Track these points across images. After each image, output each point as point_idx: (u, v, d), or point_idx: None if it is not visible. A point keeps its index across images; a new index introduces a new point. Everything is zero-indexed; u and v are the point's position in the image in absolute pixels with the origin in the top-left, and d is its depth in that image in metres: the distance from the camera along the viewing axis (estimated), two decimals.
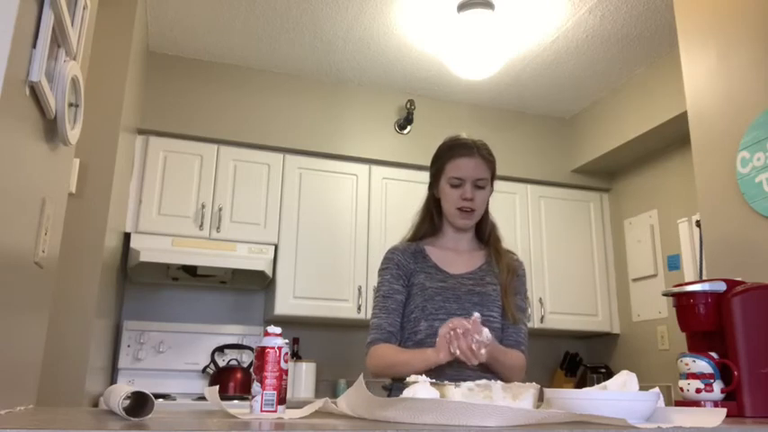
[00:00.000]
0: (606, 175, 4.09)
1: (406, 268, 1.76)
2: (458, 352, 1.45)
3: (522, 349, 1.73)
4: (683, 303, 1.62)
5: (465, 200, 1.72)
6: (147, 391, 0.92)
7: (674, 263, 3.52)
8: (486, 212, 1.83)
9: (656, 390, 1.12)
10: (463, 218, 1.75)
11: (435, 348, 1.53)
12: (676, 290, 1.65)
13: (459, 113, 3.92)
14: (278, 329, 1.09)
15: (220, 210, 3.35)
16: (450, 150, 1.77)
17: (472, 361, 1.45)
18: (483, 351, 1.45)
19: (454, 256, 1.79)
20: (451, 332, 1.47)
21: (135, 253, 3.12)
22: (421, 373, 1.33)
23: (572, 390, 1.14)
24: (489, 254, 1.82)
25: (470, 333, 1.45)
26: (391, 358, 1.66)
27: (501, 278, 1.76)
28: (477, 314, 1.49)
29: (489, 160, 1.77)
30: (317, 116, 3.66)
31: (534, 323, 3.66)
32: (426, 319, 1.69)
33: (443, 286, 1.72)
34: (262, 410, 1.04)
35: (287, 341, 1.08)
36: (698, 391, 1.49)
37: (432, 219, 1.83)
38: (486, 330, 1.46)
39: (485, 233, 1.84)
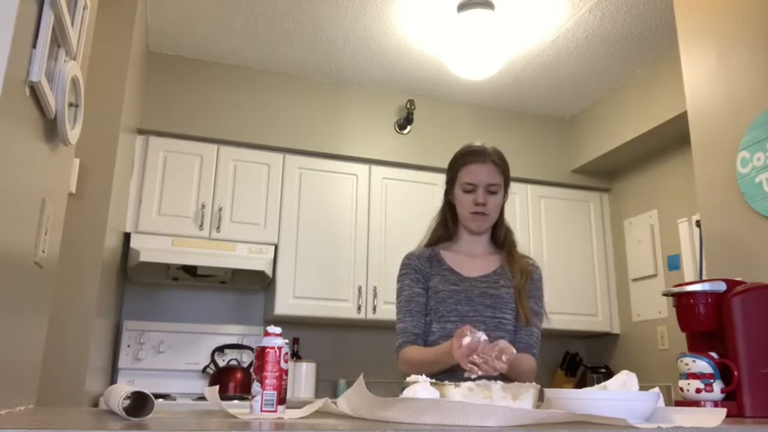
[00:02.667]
0: (606, 175, 4.09)
1: (423, 272, 1.81)
2: (479, 372, 1.41)
3: (532, 353, 1.74)
4: (683, 303, 1.63)
5: (477, 204, 1.77)
6: (147, 391, 0.92)
7: (674, 263, 3.52)
8: (501, 217, 1.87)
9: (656, 390, 1.12)
10: (476, 221, 1.79)
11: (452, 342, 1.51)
12: (676, 290, 1.65)
13: (459, 113, 3.92)
14: (278, 329, 1.09)
15: (220, 210, 3.35)
16: (463, 157, 1.82)
17: (492, 372, 1.40)
18: (504, 359, 1.41)
19: (469, 259, 1.82)
20: (473, 356, 1.42)
21: (135, 253, 3.12)
22: (444, 369, 1.31)
23: (572, 390, 1.14)
24: (504, 258, 1.84)
25: (485, 351, 1.41)
26: (419, 358, 1.69)
27: (515, 281, 1.79)
28: (482, 335, 1.45)
29: (502, 166, 1.81)
30: (317, 116, 3.66)
31: None
32: (439, 321, 1.73)
33: (456, 289, 1.75)
34: (262, 410, 1.04)
35: (287, 341, 1.08)
36: (698, 391, 1.49)
37: (446, 224, 1.87)
38: (480, 334, 1.43)
39: (500, 237, 1.88)
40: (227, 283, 3.58)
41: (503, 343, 1.42)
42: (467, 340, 1.42)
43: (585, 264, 3.94)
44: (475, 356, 1.41)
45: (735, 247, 2.13)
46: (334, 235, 3.52)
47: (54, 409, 1.27)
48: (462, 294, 1.74)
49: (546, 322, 1.83)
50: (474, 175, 1.77)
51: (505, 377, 1.58)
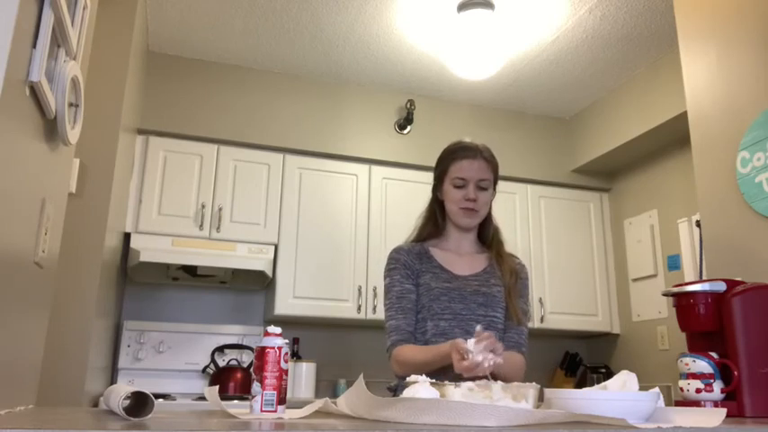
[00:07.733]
0: (606, 175, 4.09)
1: (412, 267, 1.79)
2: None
3: (522, 351, 1.76)
4: (683, 303, 1.63)
5: (468, 200, 1.76)
6: (147, 391, 0.92)
7: (674, 263, 3.52)
8: (489, 215, 1.86)
9: (656, 390, 1.12)
10: (466, 216, 1.78)
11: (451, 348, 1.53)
12: (676, 290, 1.65)
13: (459, 113, 3.92)
14: (278, 329, 1.09)
15: (220, 210, 3.35)
16: (453, 153, 1.81)
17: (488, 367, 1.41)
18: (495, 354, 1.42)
19: (457, 257, 1.82)
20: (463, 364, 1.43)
21: (135, 253, 3.12)
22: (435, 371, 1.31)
23: (572, 390, 1.14)
24: (492, 257, 1.84)
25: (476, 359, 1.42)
26: (418, 359, 1.66)
27: (504, 281, 1.79)
28: (478, 327, 1.47)
29: (492, 163, 1.81)
30: (317, 116, 3.66)
31: (534, 323, 3.66)
32: (432, 319, 1.72)
33: (449, 287, 1.75)
34: (262, 410, 1.04)
35: (287, 341, 1.08)
36: (698, 391, 1.49)
37: (435, 221, 1.86)
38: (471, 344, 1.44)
39: (488, 236, 1.87)
40: (227, 283, 3.58)
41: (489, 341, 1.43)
42: (465, 364, 1.41)
43: (585, 264, 3.94)
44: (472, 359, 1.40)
45: (735, 247, 2.13)
46: (334, 235, 3.52)
47: (54, 409, 1.27)
48: (455, 292, 1.74)
49: (528, 320, 1.84)
50: (465, 171, 1.76)
51: (495, 375, 1.58)
